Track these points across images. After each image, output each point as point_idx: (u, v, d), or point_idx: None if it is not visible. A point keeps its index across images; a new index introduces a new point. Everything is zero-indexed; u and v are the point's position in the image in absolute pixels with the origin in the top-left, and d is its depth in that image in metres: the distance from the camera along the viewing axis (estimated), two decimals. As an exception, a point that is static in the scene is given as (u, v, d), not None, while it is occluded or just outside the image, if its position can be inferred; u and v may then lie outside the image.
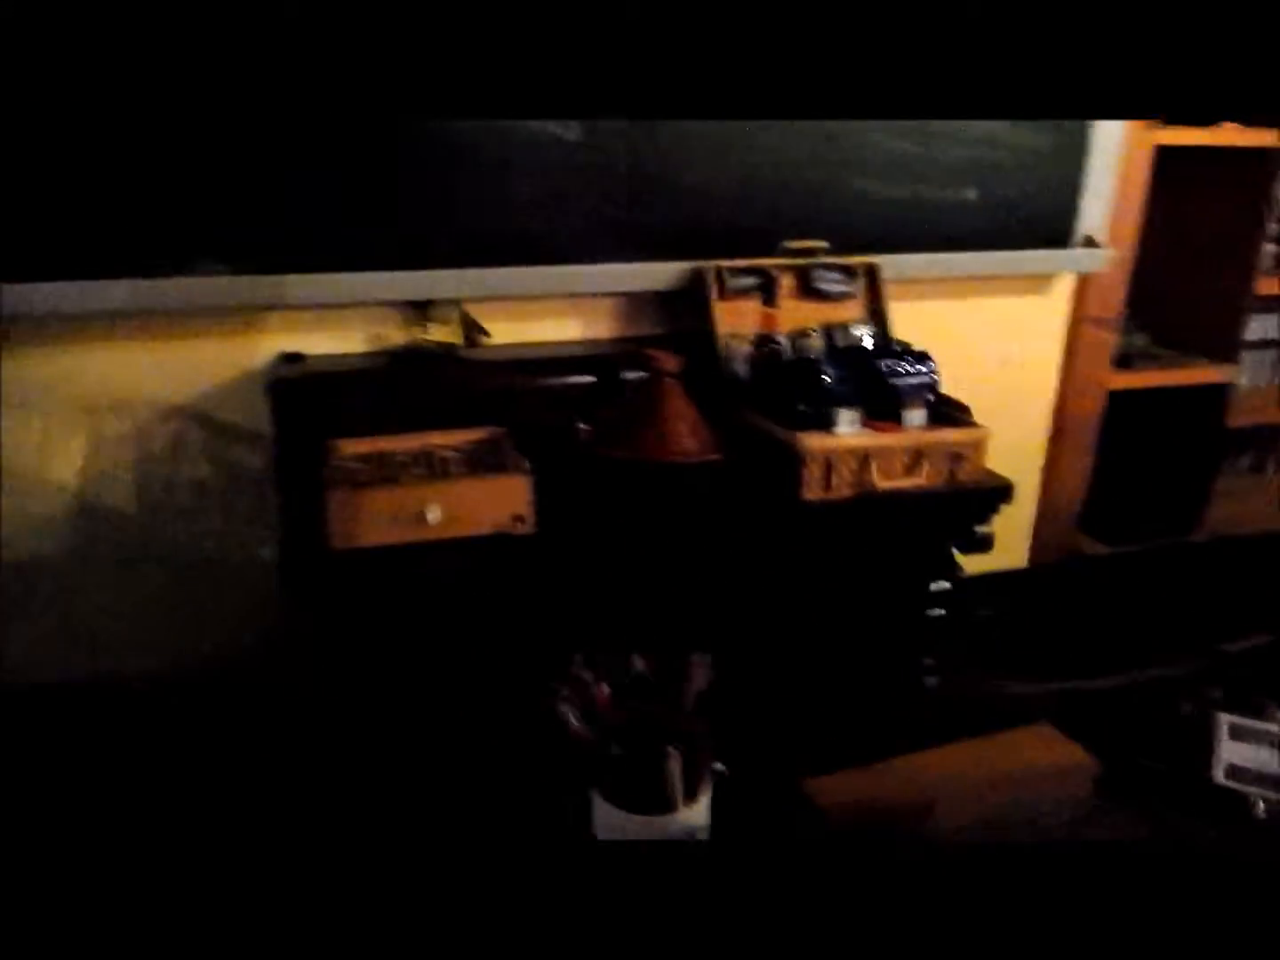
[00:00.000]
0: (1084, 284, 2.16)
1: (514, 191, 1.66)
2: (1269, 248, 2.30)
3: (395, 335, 1.73)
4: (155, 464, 1.69)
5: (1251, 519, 2.53)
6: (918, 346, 1.77)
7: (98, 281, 1.50)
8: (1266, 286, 2.32)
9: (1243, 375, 2.46)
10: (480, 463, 1.47)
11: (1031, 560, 2.42)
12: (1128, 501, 2.45)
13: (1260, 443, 2.72)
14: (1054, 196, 1.98)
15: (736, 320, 1.73)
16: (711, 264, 1.72)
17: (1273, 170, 2.20)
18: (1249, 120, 2.11)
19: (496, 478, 1.38)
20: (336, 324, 1.70)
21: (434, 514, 1.33)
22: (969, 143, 1.88)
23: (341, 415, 1.58)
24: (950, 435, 1.54)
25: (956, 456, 1.55)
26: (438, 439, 1.52)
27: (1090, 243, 2.02)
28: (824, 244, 1.76)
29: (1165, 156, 2.09)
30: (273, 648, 1.61)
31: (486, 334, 1.72)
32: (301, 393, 1.60)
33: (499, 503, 1.37)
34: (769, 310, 1.69)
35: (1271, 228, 2.28)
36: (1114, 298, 2.18)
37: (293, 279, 1.58)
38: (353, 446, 1.49)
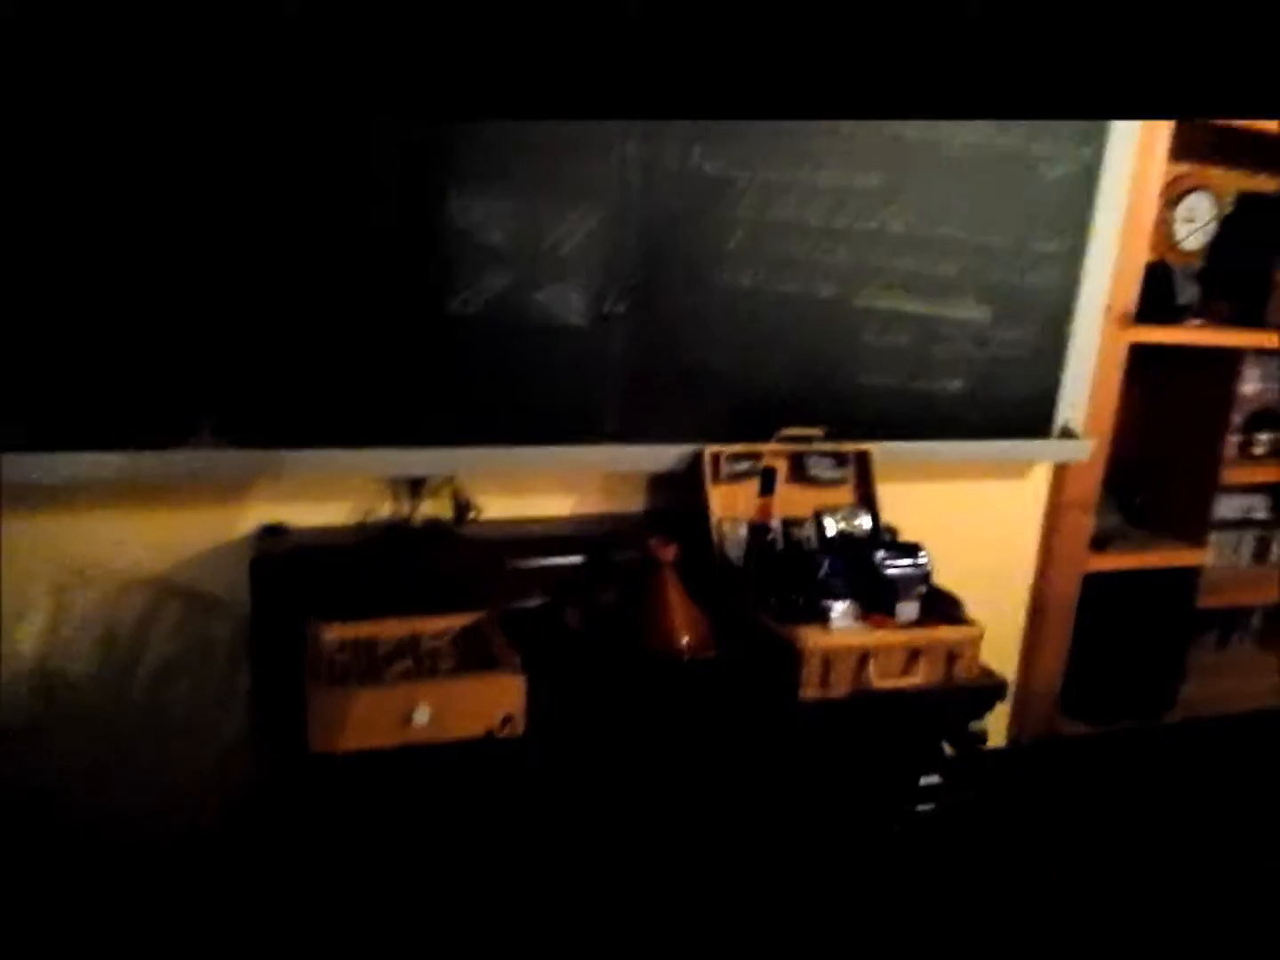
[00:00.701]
0: (1062, 469, 2.21)
1: (514, 371, 1.67)
2: (1234, 438, 2.38)
3: (383, 508, 1.70)
4: (126, 635, 1.61)
5: (1224, 697, 2.54)
6: (905, 534, 1.79)
7: (92, 454, 1.45)
8: (1233, 475, 2.39)
9: (1210, 555, 2.51)
10: (470, 655, 1.41)
11: (1010, 740, 2.39)
12: (1105, 681, 2.45)
13: (1230, 621, 2.75)
14: (1036, 389, 2.04)
15: (731, 504, 1.72)
16: (708, 448, 1.72)
17: (1238, 367, 2.30)
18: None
19: (487, 677, 1.33)
20: (323, 495, 1.66)
21: (422, 715, 1.27)
22: (959, 339, 1.94)
23: (324, 593, 1.52)
24: (947, 634, 1.53)
25: (953, 655, 1.53)
26: (425, 625, 1.46)
27: (1068, 433, 2.07)
28: (819, 431, 1.78)
29: (1139, 354, 2.17)
30: (241, 828, 1.51)
31: (478, 510, 1.70)
32: (283, 569, 1.54)
33: (489, 703, 1.31)
34: (763, 496, 1.68)
35: (1236, 419, 2.37)
36: (1091, 483, 2.22)
37: (286, 454, 1.55)
38: (335, 632, 1.43)
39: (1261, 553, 2.71)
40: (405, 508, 1.68)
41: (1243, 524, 2.70)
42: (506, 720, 1.31)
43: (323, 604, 1.50)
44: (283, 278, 1.51)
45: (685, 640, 1.48)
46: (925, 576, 1.60)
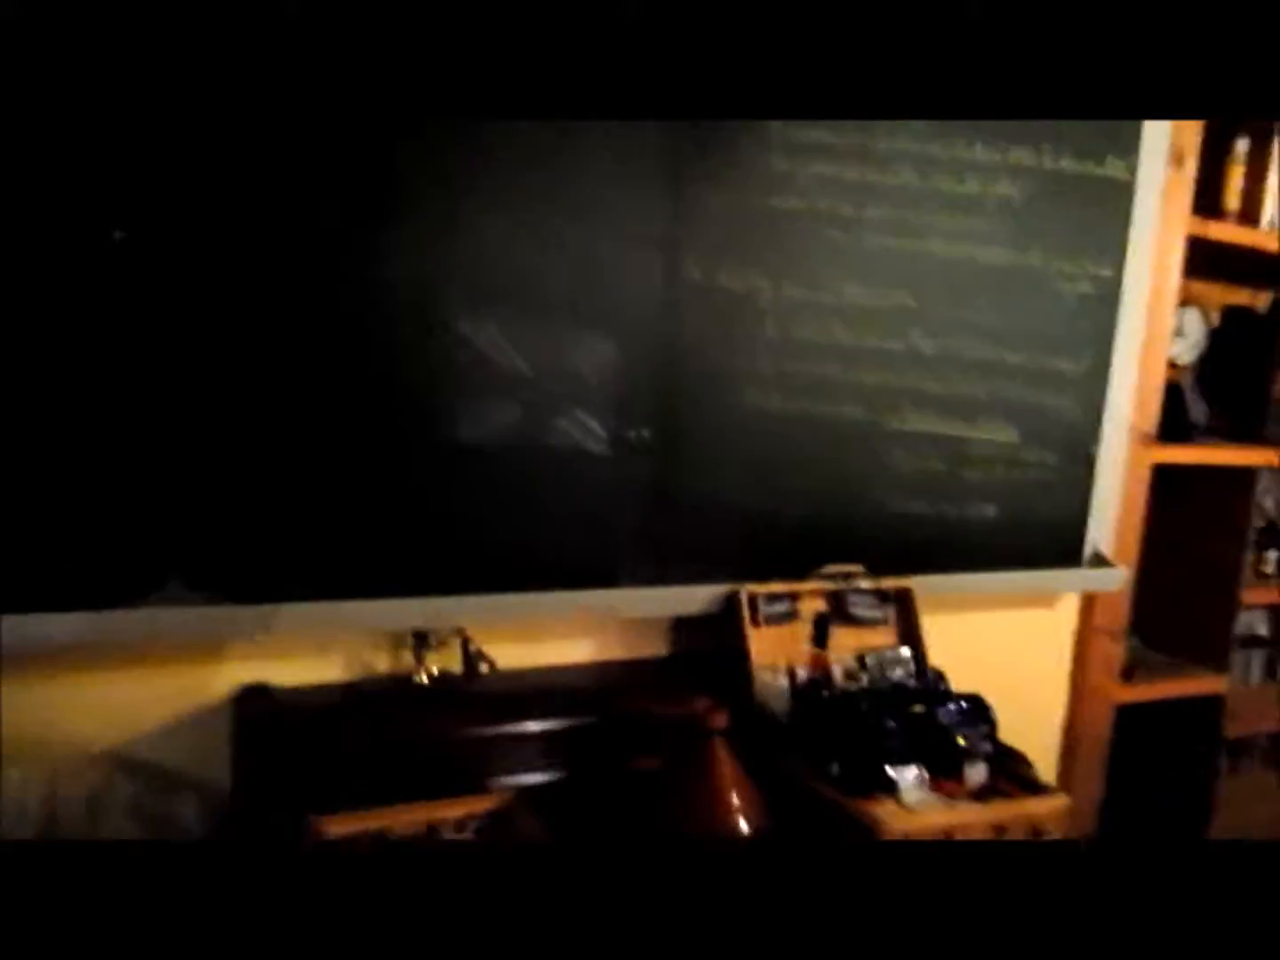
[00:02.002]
0: (1090, 596, 2.10)
1: (527, 507, 1.50)
2: (1252, 557, 2.32)
3: (381, 662, 1.49)
4: (70, 819, 1.36)
5: (1254, 827, 2.42)
6: (949, 674, 1.65)
7: (38, 615, 1.22)
8: (1247, 595, 2.32)
9: (1232, 674, 2.42)
10: (500, 849, 1.20)
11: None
12: (1136, 816, 2.31)
13: (1240, 746, 2.65)
14: (1064, 513, 1.94)
15: (769, 650, 1.56)
16: (745, 589, 1.56)
17: (1252, 484, 2.25)
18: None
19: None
20: (312, 649, 1.45)
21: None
22: (989, 461, 1.84)
23: (319, 769, 1.30)
24: (1034, 807, 1.37)
25: (1038, 830, 1.37)
26: (443, 811, 1.25)
27: (1101, 561, 1.97)
28: (859, 568, 1.64)
29: (1160, 475, 2.11)
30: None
31: (491, 663, 1.50)
32: (269, 739, 1.32)
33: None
34: (816, 647, 1.53)
35: (1252, 538, 2.31)
36: (1120, 610, 2.12)
37: (269, 608, 1.34)
38: (340, 825, 1.20)
39: (1270, 672, 2.64)
40: (408, 661, 1.48)
41: (1248, 642, 2.63)
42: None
43: (317, 782, 1.28)
44: (264, 403, 1.32)
45: (743, 817, 1.29)
46: (993, 733, 1.46)
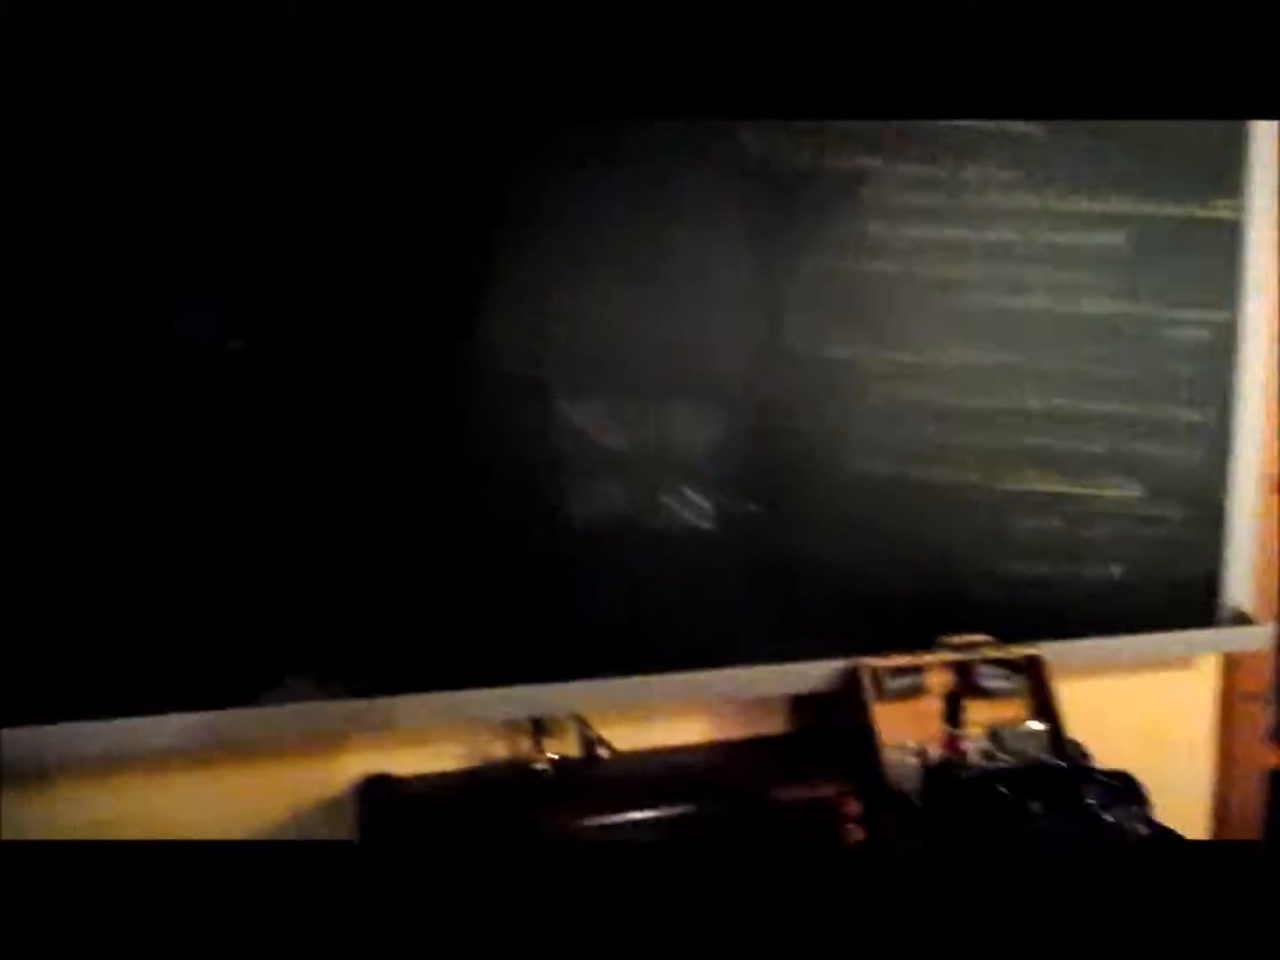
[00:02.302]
0: (1232, 657, 1.97)
1: (639, 589, 1.48)
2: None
3: (500, 749, 1.48)
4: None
5: None
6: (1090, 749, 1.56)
7: (152, 718, 1.24)
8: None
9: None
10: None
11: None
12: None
13: None
14: (1198, 569, 1.83)
15: (896, 726, 1.49)
16: (866, 663, 1.51)
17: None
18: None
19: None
20: (431, 739, 1.45)
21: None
22: (1113, 519, 1.76)
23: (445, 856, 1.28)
24: (1200, 895, 1.26)
25: (1207, 920, 1.26)
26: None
27: (1242, 619, 1.85)
28: (987, 638, 1.57)
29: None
30: None
31: (609, 747, 1.47)
32: (395, 829, 1.31)
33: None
34: (932, 715, 1.46)
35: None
36: (1266, 670, 1.99)
37: (388, 701, 1.34)
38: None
39: None
40: (526, 747, 1.46)
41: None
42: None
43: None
44: (375, 498, 1.34)
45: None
46: (1147, 813, 1.36)
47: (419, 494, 1.37)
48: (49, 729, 1.20)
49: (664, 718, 1.56)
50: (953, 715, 1.43)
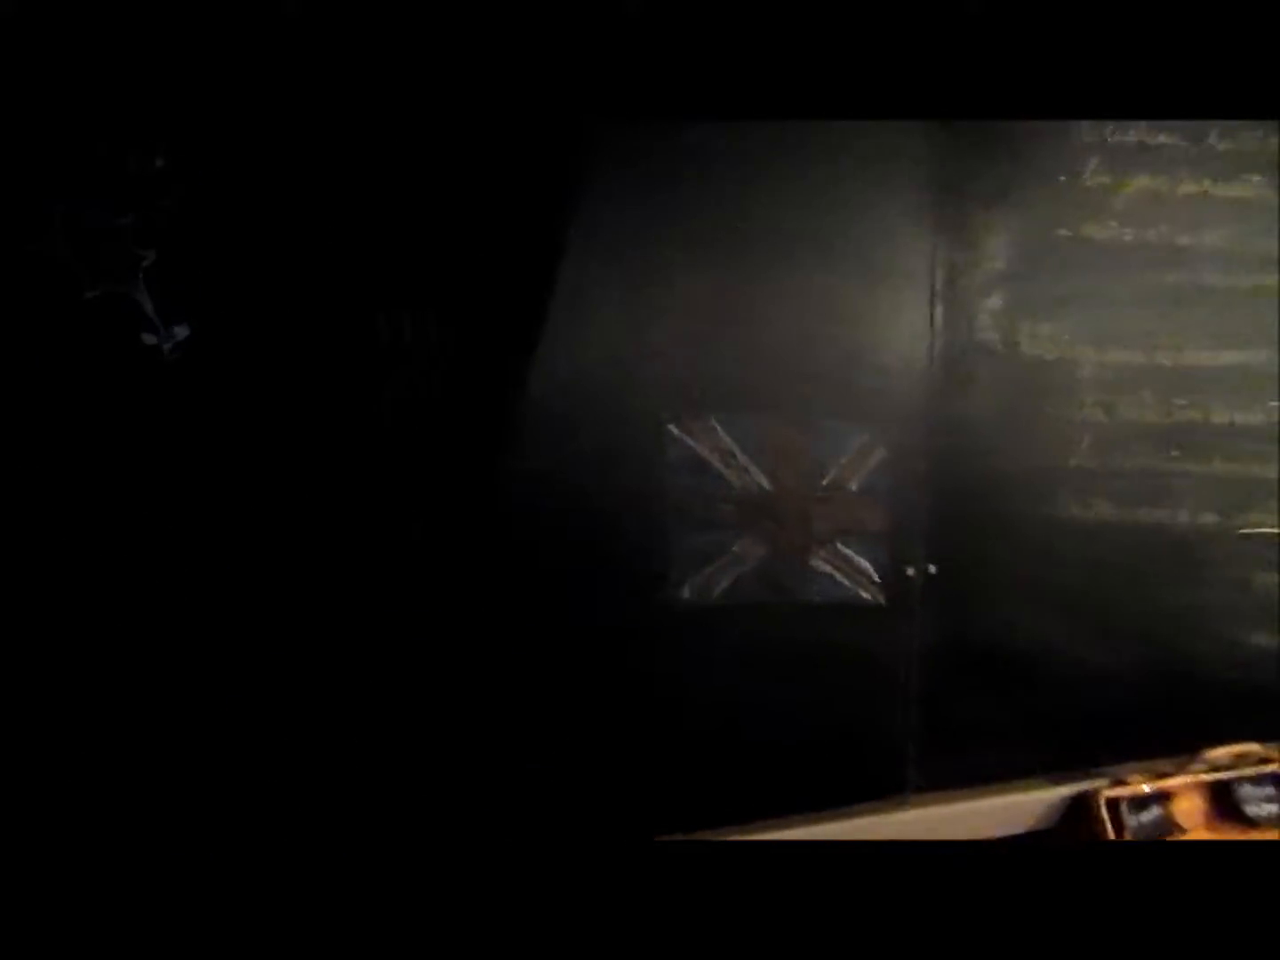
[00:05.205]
0: None
1: (770, 692, 1.05)
2: None
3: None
4: None
5: None
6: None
7: None
8: None
9: None
10: None
11: None
12: None
13: None
14: None
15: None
16: (1098, 788, 1.08)
17: None
18: None
19: None
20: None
21: None
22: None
23: None
24: None
25: None
26: None
27: None
28: (1257, 748, 1.14)
29: None
30: None
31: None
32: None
33: None
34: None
35: None
36: None
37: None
38: None
39: None
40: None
41: None
42: None
43: None
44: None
45: None
46: None
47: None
48: None
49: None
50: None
